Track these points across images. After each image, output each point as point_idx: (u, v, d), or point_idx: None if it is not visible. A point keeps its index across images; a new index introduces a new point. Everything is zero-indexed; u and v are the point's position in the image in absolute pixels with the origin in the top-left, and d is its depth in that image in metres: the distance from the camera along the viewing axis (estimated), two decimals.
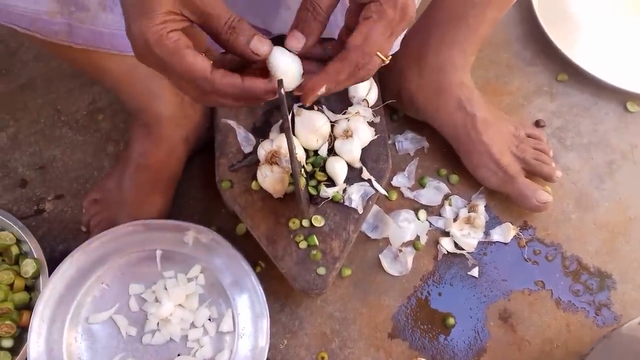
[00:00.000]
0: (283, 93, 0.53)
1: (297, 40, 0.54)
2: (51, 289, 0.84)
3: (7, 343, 0.84)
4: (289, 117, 0.59)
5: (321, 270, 0.80)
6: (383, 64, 0.56)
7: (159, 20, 0.49)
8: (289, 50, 0.55)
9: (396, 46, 0.81)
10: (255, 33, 0.53)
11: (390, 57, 0.57)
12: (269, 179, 0.81)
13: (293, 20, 0.55)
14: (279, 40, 0.56)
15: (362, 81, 0.57)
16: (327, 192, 0.83)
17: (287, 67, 0.55)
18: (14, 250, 0.88)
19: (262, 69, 0.55)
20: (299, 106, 0.84)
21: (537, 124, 1.04)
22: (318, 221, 0.82)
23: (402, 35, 0.79)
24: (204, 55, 0.51)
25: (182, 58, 0.50)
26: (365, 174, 0.85)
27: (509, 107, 1.06)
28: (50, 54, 1.08)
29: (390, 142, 1.00)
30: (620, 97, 1.06)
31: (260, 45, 0.53)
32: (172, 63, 0.50)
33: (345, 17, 0.56)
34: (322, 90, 0.55)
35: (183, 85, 0.54)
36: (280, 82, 0.54)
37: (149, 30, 0.49)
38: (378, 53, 0.54)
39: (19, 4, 0.67)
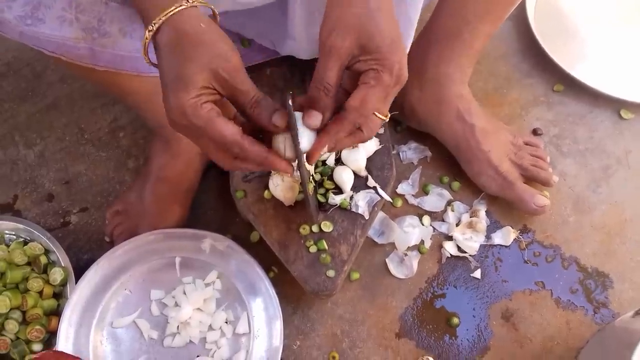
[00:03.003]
0: (291, 104, 0.58)
1: (315, 119, 0.59)
2: (78, 295, 0.87)
3: (37, 347, 0.87)
4: (297, 130, 0.64)
5: (330, 273, 0.84)
6: (384, 122, 0.61)
7: (194, 94, 0.55)
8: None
9: None
10: (276, 109, 0.58)
11: (389, 115, 0.61)
12: (280, 188, 0.84)
13: (306, 98, 0.60)
14: (289, 60, 0.61)
15: (366, 140, 0.62)
16: (335, 199, 0.87)
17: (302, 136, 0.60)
18: (43, 259, 0.91)
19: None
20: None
21: (535, 132, 1.07)
22: (327, 227, 0.86)
23: None
24: (233, 122, 0.57)
25: (215, 124, 0.55)
26: (371, 182, 0.89)
27: (508, 117, 1.09)
28: (73, 76, 1.13)
29: (394, 152, 1.04)
30: (615, 105, 1.09)
31: (280, 120, 0.58)
32: (206, 129, 0.55)
33: (343, 82, 0.60)
34: (325, 149, 0.61)
35: (212, 150, 0.58)
36: (290, 95, 0.59)
37: (186, 103, 0.54)
38: (376, 113, 0.59)
39: (47, 31, 0.71)
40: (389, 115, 0.61)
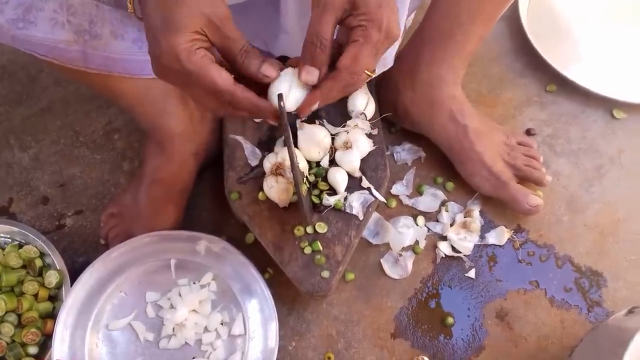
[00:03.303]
0: (283, 105, 0.59)
1: (313, 75, 0.60)
2: (73, 298, 0.87)
3: (33, 350, 0.87)
4: (290, 131, 0.65)
5: (325, 274, 0.84)
6: (369, 79, 0.61)
7: (188, 38, 0.55)
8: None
9: (389, 63, 0.86)
10: (265, 59, 0.59)
11: (375, 70, 0.62)
12: (275, 189, 0.85)
13: (301, 53, 0.60)
14: (281, 61, 0.62)
15: (351, 93, 0.63)
16: (329, 200, 0.87)
17: (288, 92, 0.61)
18: (38, 262, 0.91)
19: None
20: (301, 121, 0.89)
21: (528, 132, 1.08)
22: (321, 228, 0.86)
23: (395, 51, 0.84)
24: (225, 70, 0.57)
25: (209, 71, 0.56)
26: (365, 183, 0.89)
27: (502, 118, 1.10)
28: (68, 79, 1.14)
29: (388, 152, 1.04)
30: (607, 105, 1.10)
31: (270, 70, 0.59)
32: (200, 76, 0.55)
33: (336, 35, 0.61)
34: (315, 106, 0.61)
35: (203, 97, 0.59)
36: (280, 96, 0.59)
37: (179, 46, 0.54)
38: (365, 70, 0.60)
39: (39, 34, 0.71)
40: (375, 70, 0.62)
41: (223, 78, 0.56)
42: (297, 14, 0.81)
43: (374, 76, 0.62)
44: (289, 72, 0.61)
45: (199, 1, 0.55)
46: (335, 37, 0.61)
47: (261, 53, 0.87)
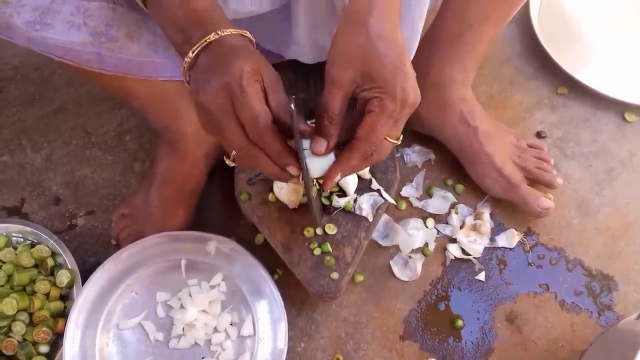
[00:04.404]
0: (293, 108, 0.59)
1: (321, 146, 0.62)
2: (84, 297, 0.88)
3: (44, 349, 0.88)
4: (299, 134, 0.65)
5: (334, 275, 0.84)
6: (395, 145, 0.63)
7: (255, 67, 0.57)
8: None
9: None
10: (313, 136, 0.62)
11: (402, 136, 0.64)
12: (285, 190, 0.85)
13: (315, 125, 0.63)
14: (293, 64, 0.63)
15: (379, 162, 0.66)
16: (339, 202, 0.87)
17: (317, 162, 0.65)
18: (50, 262, 0.91)
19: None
20: (311, 123, 0.89)
21: (539, 135, 1.08)
22: (331, 229, 0.86)
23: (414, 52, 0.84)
24: None
25: (259, 101, 0.57)
26: (375, 185, 0.90)
27: (512, 120, 1.10)
28: (80, 81, 1.15)
29: (398, 154, 1.05)
30: (619, 108, 1.10)
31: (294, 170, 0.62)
32: (250, 101, 0.56)
33: (358, 108, 0.63)
34: (338, 177, 0.64)
35: (233, 131, 0.59)
36: (291, 98, 0.60)
37: (248, 68, 0.56)
38: (387, 137, 0.61)
39: (56, 36, 0.72)
40: (402, 137, 0.64)
41: (268, 113, 0.58)
42: (308, 28, 0.82)
43: (398, 143, 0.63)
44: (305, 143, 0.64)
45: (255, 57, 0.58)
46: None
47: (271, 55, 0.88)
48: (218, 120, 0.58)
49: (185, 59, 0.59)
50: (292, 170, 0.62)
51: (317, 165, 0.65)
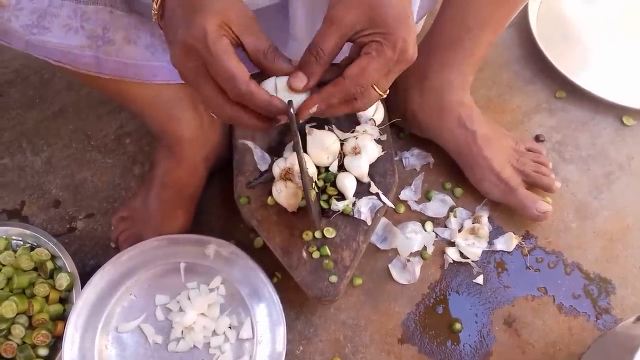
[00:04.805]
0: (293, 112, 0.59)
1: (300, 81, 0.59)
2: (83, 300, 0.88)
3: (43, 351, 0.87)
4: (299, 137, 0.65)
5: (333, 279, 0.84)
6: (381, 98, 0.61)
7: (219, 22, 0.55)
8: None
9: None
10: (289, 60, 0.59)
11: (388, 91, 0.61)
12: (284, 194, 0.85)
13: (300, 59, 0.60)
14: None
15: (360, 111, 0.62)
16: (338, 205, 0.87)
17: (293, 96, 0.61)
18: (49, 265, 0.91)
19: None
20: (310, 126, 0.89)
21: (537, 138, 1.08)
22: (330, 232, 0.86)
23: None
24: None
25: (231, 60, 0.55)
26: (373, 188, 0.89)
27: (510, 124, 1.10)
28: (80, 84, 1.15)
29: (397, 158, 1.05)
30: (617, 111, 1.10)
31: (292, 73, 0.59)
32: (222, 62, 0.55)
33: (350, 51, 0.61)
34: (314, 109, 0.60)
35: (213, 93, 0.58)
36: (290, 102, 0.60)
37: (210, 27, 0.54)
38: (374, 86, 0.59)
39: (53, 40, 0.72)
40: (387, 92, 0.61)
41: (242, 70, 0.56)
42: (306, 23, 0.82)
43: (384, 96, 0.61)
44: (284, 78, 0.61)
45: (226, 2, 0.56)
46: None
47: None
48: (192, 83, 0.57)
49: (154, 6, 0.57)
50: (282, 118, 0.60)
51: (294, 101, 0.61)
